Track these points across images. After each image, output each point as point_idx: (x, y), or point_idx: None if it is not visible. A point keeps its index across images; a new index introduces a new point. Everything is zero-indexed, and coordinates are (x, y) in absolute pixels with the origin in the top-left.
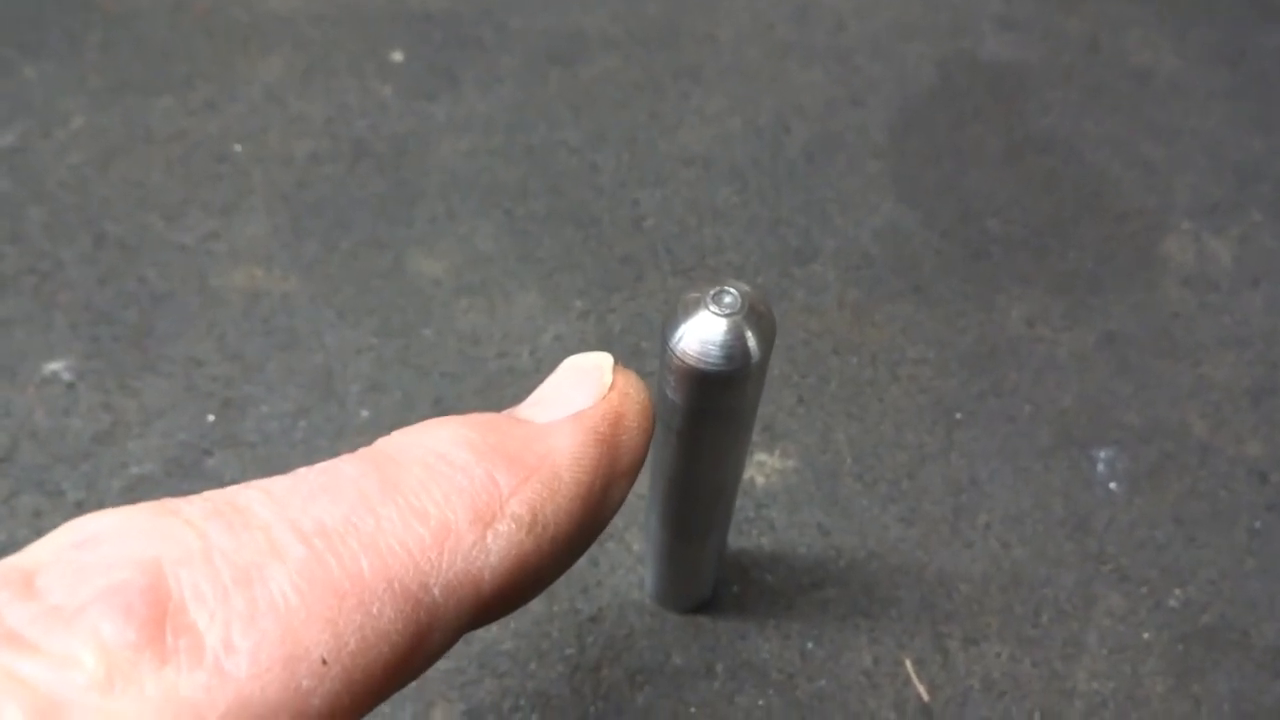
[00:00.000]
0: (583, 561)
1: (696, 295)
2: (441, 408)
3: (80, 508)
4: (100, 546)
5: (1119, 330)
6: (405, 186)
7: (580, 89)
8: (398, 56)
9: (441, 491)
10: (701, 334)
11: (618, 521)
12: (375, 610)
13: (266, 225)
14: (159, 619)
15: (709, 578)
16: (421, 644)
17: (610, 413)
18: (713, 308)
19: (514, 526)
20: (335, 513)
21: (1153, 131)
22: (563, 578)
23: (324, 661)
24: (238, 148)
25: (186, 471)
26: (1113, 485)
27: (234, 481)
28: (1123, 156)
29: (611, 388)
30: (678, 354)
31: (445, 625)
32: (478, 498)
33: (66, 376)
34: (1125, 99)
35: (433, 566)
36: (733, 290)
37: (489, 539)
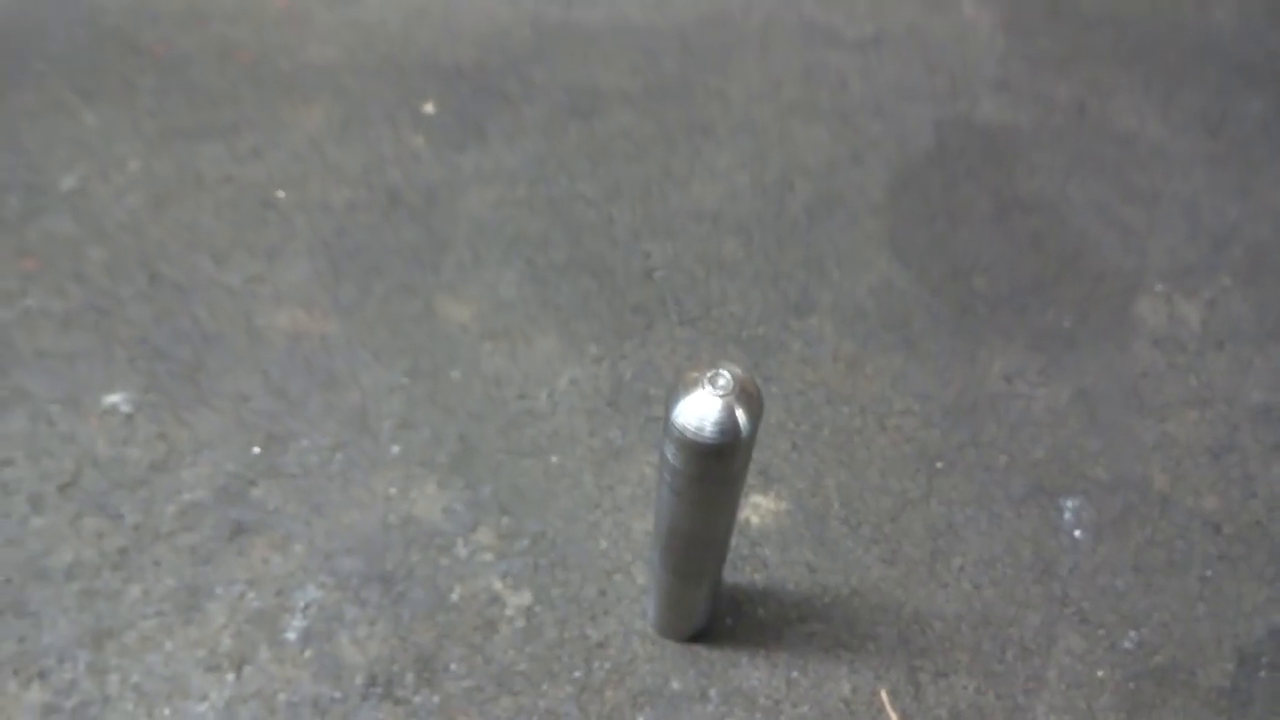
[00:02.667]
0: (592, 592)
1: (695, 375)
2: (466, 444)
3: (138, 530)
4: None
5: (1091, 387)
6: (435, 235)
7: (598, 142)
8: (430, 108)
9: None
10: (698, 411)
11: (625, 556)
12: None
13: (308, 269)
14: None
15: (705, 610)
16: None
17: None
18: (708, 388)
19: None
20: None
21: (1134, 195)
22: (574, 607)
23: None
24: (281, 194)
25: (234, 499)
26: (1078, 533)
27: (277, 510)
28: (1104, 218)
29: None
30: (677, 427)
31: None
32: None
33: (125, 408)
34: (1109, 162)
35: None
36: (726, 373)
37: None
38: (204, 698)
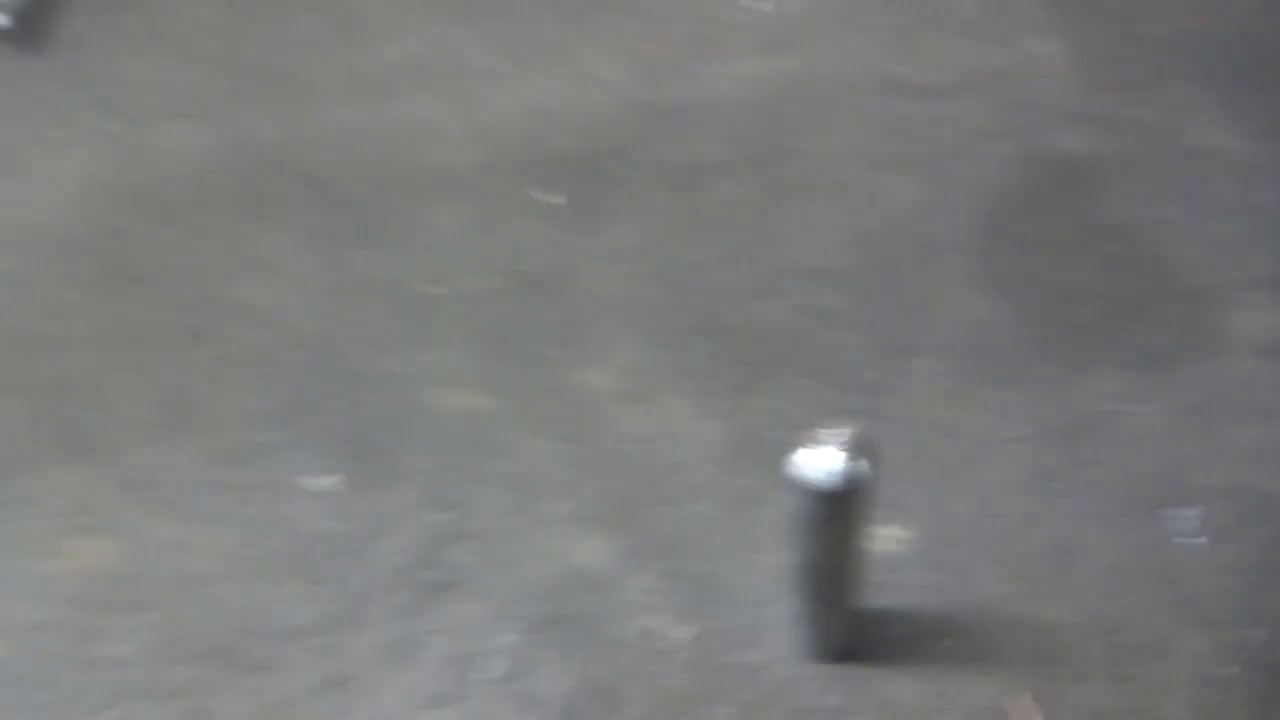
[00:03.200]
0: (748, 622)
1: (823, 433)
2: (623, 499)
3: (357, 593)
4: None
5: (1195, 400)
6: (571, 313)
7: (704, 212)
8: (553, 197)
9: None
10: (824, 463)
11: (774, 589)
12: None
13: (465, 354)
14: None
15: (850, 633)
16: None
17: None
18: (833, 443)
19: None
20: None
21: (1219, 210)
22: (734, 636)
23: None
24: (441, 290)
25: (432, 562)
26: (1196, 540)
27: (470, 567)
28: (1192, 236)
29: None
30: (807, 479)
31: None
32: None
33: (336, 488)
34: (1193, 180)
35: None
36: (846, 431)
37: None
38: None
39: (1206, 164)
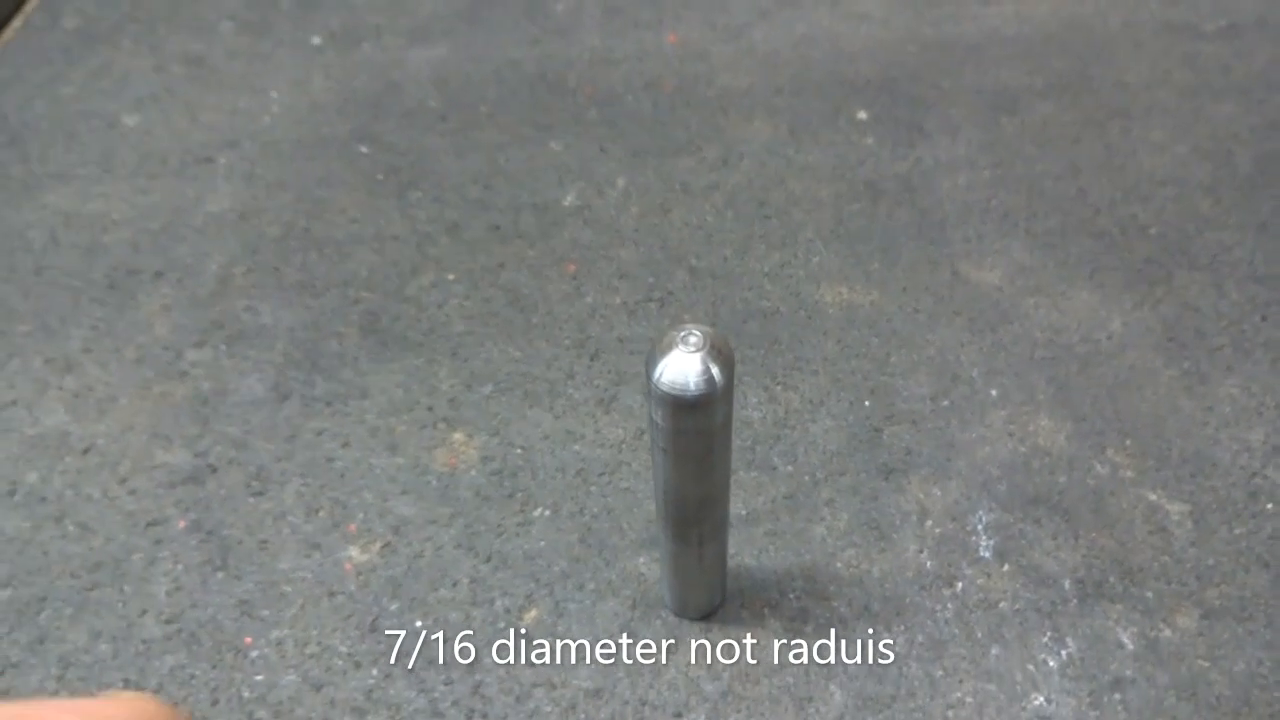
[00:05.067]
0: (1240, 495)
1: (669, 338)
2: (1057, 384)
3: (793, 479)
4: None
5: None
6: (928, 215)
7: (1033, 131)
8: (863, 115)
9: None
10: (676, 369)
11: (1255, 462)
12: None
13: (827, 253)
14: None
15: (718, 581)
16: None
17: None
18: (681, 348)
19: None
20: None
21: None
22: (1231, 510)
23: None
24: (770, 194)
25: (869, 445)
26: None
27: (914, 451)
28: None
29: None
30: (659, 386)
31: None
32: None
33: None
34: None
35: None
36: (697, 332)
37: None
38: (931, 612)
39: None
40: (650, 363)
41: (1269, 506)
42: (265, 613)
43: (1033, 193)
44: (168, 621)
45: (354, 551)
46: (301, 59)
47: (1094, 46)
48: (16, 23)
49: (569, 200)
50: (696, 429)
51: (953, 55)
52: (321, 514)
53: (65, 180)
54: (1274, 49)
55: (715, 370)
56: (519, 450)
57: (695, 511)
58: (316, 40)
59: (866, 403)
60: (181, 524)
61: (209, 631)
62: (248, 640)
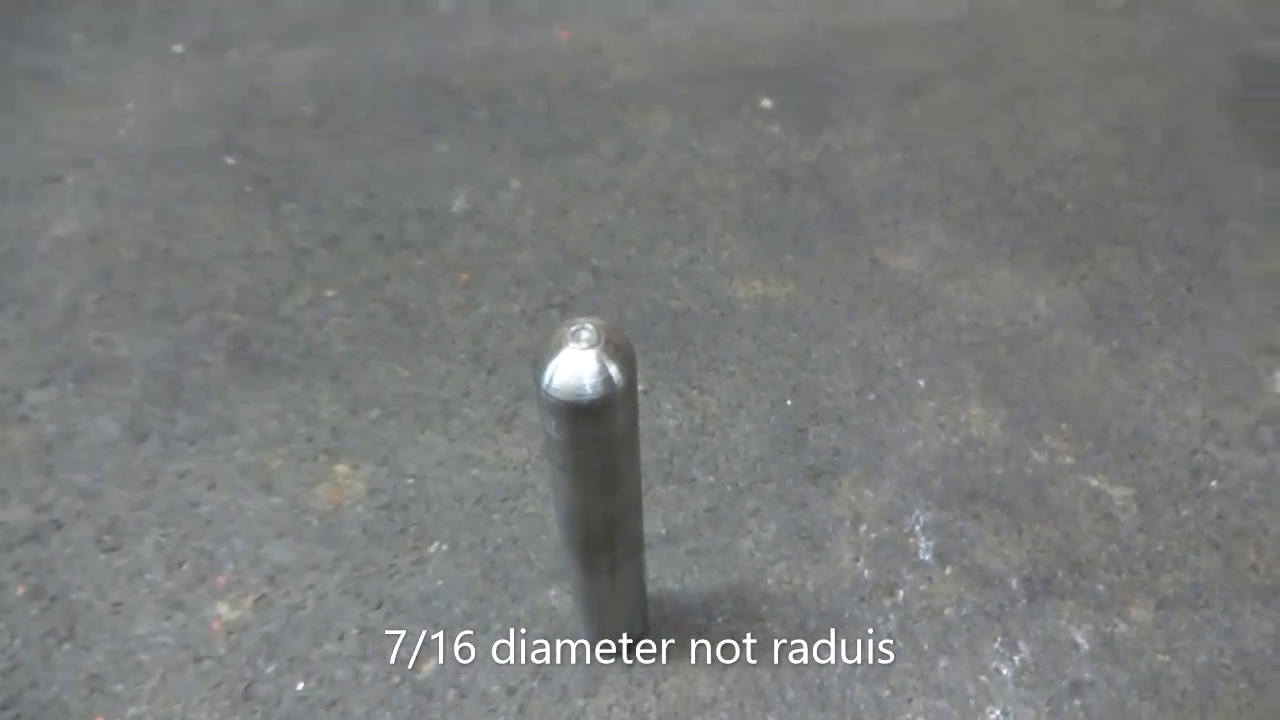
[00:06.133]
0: (1184, 474)
1: (559, 335)
2: (984, 369)
3: (712, 489)
4: None
5: None
6: (841, 203)
7: (941, 114)
8: (767, 103)
9: None
10: (568, 370)
11: (1194, 439)
12: None
13: (738, 245)
14: None
15: (637, 611)
16: None
17: None
18: (573, 344)
19: None
20: None
21: None
22: (1174, 491)
23: None
24: (674, 188)
25: (793, 447)
26: None
27: (841, 451)
28: None
29: None
30: (551, 392)
31: None
32: None
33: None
34: None
35: None
36: (589, 326)
37: None
38: (873, 625)
39: None
40: (538, 366)
41: (1213, 484)
42: (119, 687)
43: (945, 175)
44: (2, 707)
45: (223, 608)
46: (161, 68)
47: (997, 28)
48: None
49: (458, 205)
50: (596, 438)
51: (856, 41)
52: (185, 568)
53: None
54: (1172, 26)
55: (613, 369)
56: (410, 480)
57: (604, 534)
58: (178, 48)
59: (789, 402)
60: (20, 590)
61: (52, 715)
62: None
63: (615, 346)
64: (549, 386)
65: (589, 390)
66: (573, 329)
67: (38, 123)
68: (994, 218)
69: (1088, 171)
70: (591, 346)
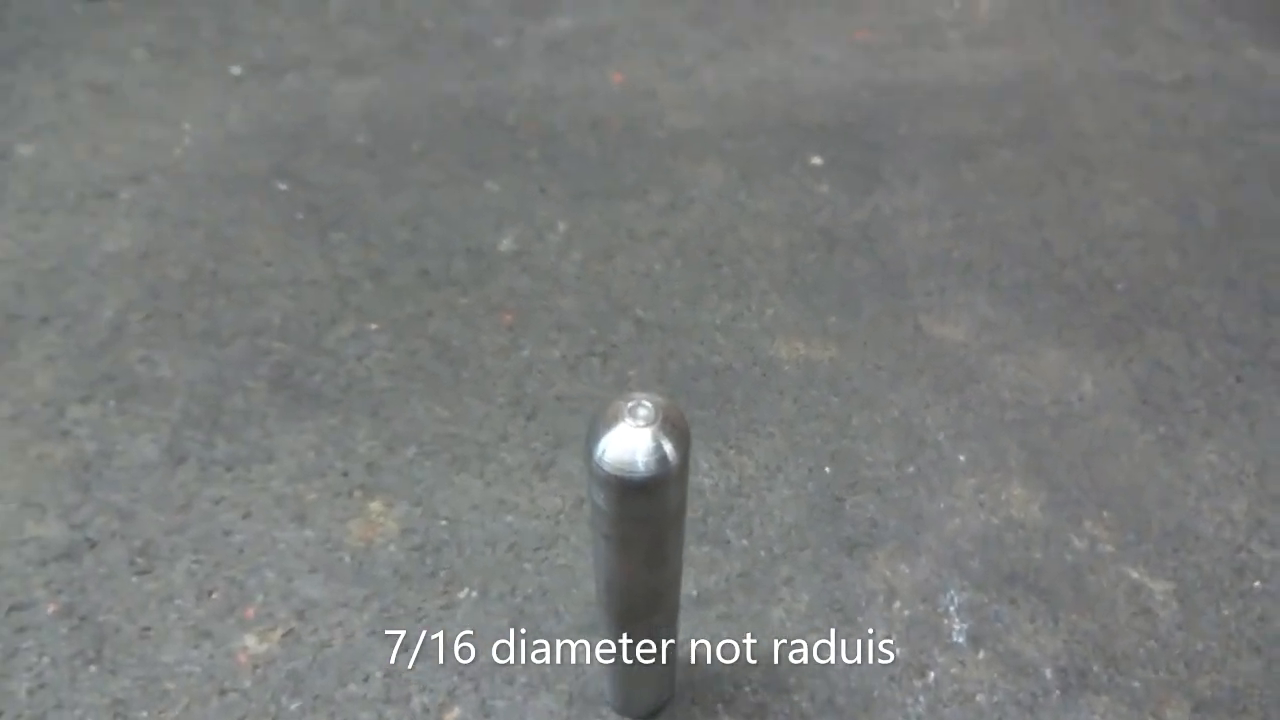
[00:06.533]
0: (1226, 572)
1: (615, 408)
2: (1028, 448)
3: (745, 553)
4: None
5: None
6: (888, 266)
7: (994, 180)
8: (817, 160)
9: None
10: (621, 445)
11: (1239, 536)
12: None
13: (781, 304)
14: None
15: (665, 678)
16: None
17: None
18: (629, 420)
19: None
20: None
21: None
22: (1218, 589)
23: None
24: (721, 241)
25: (830, 516)
26: None
27: (878, 523)
28: None
29: None
30: (602, 466)
31: None
32: None
33: None
34: None
35: None
36: (648, 403)
37: None
38: (902, 707)
39: None
40: (591, 437)
41: (1256, 584)
42: (143, 714)
43: (996, 244)
44: None
45: (250, 640)
46: (220, 89)
47: (1051, 96)
48: None
49: (505, 245)
50: (646, 515)
51: (909, 101)
52: (215, 596)
53: None
54: (1230, 102)
55: (668, 447)
56: (444, 522)
57: (643, 605)
58: (237, 70)
59: (827, 469)
60: (51, 608)
61: None
62: None
63: (672, 424)
64: (600, 459)
65: (642, 468)
66: (630, 404)
67: (97, 136)
68: (1043, 292)
69: (1140, 249)
70: (649, 425)
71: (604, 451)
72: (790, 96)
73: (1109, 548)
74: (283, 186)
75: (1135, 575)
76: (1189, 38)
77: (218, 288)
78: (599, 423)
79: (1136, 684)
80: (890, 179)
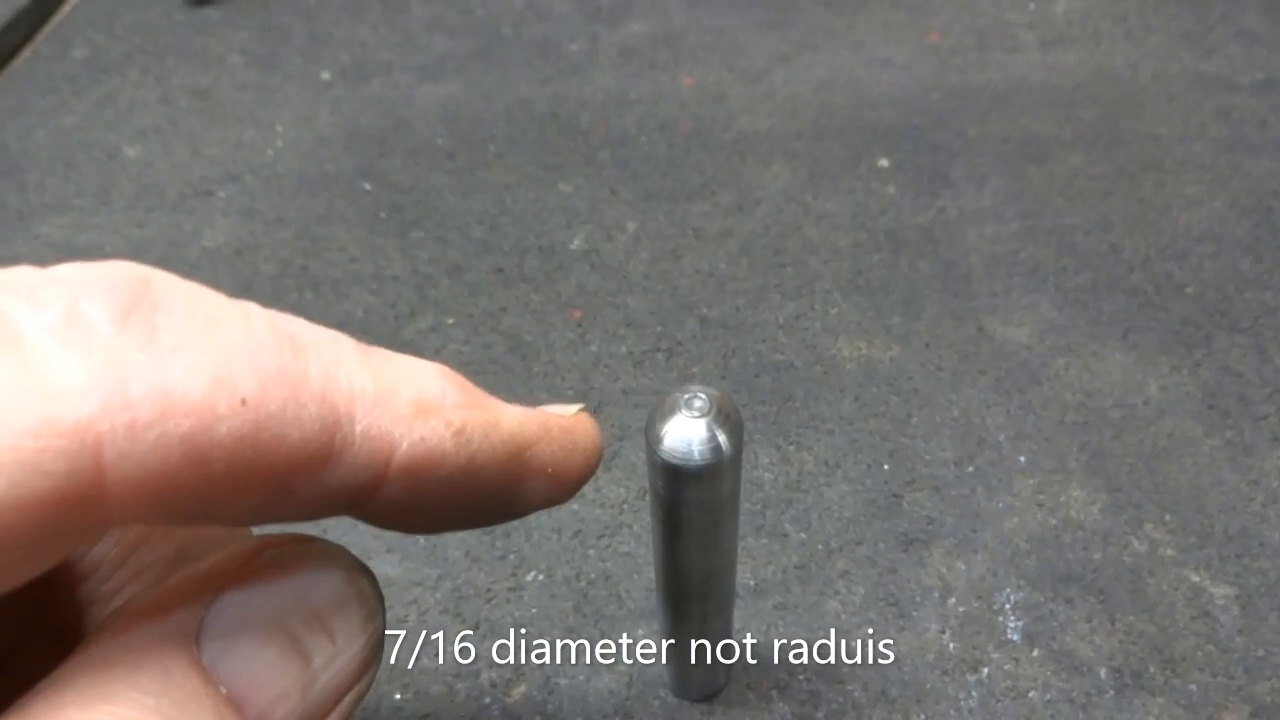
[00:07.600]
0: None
1: (672, 400)
2: (1089, 450)
3: (803, 546)
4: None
5: None
6: (953, 268)
7: (1062, 182)
8: (884, 162)
9: (397, 371)
10: (678, 434)
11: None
12: (302, 399)
13: (844, 304)
14: (129, 308)
15: (721, 667)
16: (325, 459)
17: (563, 422)
18: (685, 411)
19: (443, 426)
20: (315, 332)
21: None
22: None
23: (243, 402)
24: (786, 241)
25: (888, 512)
26: None
27: (936, 521)
28: None
29: (574, 416)
30: (660, 453)
31: (348, 466)
32: (426, 390)
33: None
34: None
35: (364, 410)
36: (703, 395)
37: (417, 421)
38: (954, 701)
39: None
40: (650, 426)
41: None
42: None
43: (1063, 247)
44: None
45: None
46: (310, 93)
47: (1124, 98)
48: (26, 52)
49: (576, 244)
50: (701, 501)
51: (978, 103)
52: None
53: (61, 211)
54: None
55: (722, 437)
56: None
57: (699, 588)
58: (326, 75)
59: (885, 466)
60: None
61: None
62: None
63: (726, 415)
64: (658, 447)
65: (697, 456)
66: (686, 396)
67: (196, 139)
68: (1110, 295)
69: (1211, 253)
70: (703, 415)
71: (661, 440)
72: (858, 99)
73: (1170, 551)
74: (367, 186)
75: (1196, 579)
76: (1272, 38)
77: (306, 282)
78: (657, 413)
79: (1193, 687)
80: (957, 181)
